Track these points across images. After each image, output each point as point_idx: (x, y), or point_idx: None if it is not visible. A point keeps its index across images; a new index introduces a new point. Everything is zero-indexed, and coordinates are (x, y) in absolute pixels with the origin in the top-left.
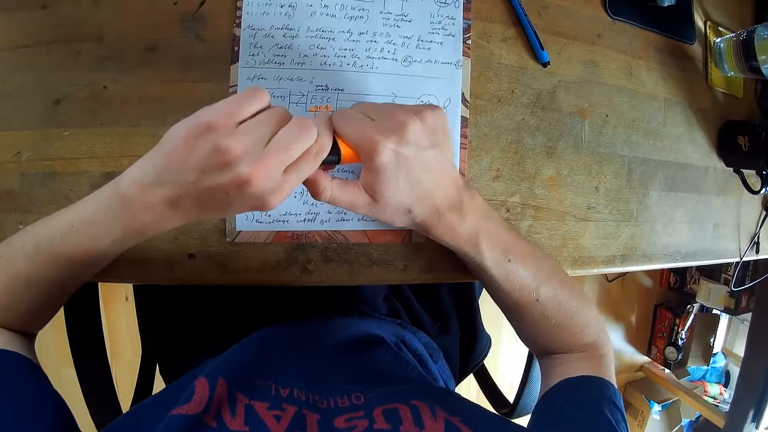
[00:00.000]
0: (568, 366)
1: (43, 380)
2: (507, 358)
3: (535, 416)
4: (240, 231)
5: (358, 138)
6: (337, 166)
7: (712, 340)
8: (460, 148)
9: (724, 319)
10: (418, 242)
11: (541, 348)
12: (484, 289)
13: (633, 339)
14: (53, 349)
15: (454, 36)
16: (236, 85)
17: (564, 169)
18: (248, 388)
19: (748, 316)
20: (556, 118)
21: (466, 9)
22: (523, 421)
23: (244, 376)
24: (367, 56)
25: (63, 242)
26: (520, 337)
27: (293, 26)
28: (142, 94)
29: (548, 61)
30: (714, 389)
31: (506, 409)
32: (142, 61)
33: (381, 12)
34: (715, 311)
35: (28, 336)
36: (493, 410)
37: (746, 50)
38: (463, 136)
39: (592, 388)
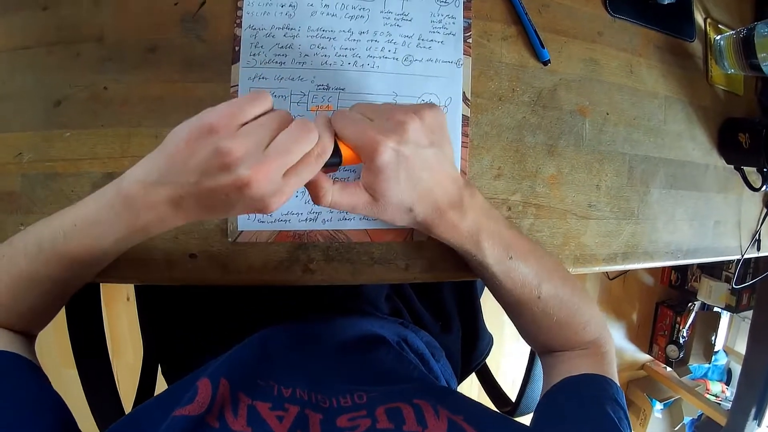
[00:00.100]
0: (570, 364)
1: (43, 381)
2: (509, 357)
3: (537, 415)
4: (242, 231)
5: (358, 139)
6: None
7: (713, 337)
8: (462, 146)
9: (726, 316)
10: (420, 241)
11: (542, 346)
12: (485, 287)
13: (634, 337)
14: (55, 351)
15: (454, 35)
16: (237, 85)
17: (565, 167)
18: (251, 389)
19: (749, 313)
20: (557, 116)
21: (466, 8)
22: (526, 419)
23: (247, 377)
24: (368, 55)
25: (66, 242)
26: (521, 335)
27: (294, 26)
28: (142, 95)
29: (549, 60)
30: (716, 387)
31: (508, 407)
32: (142, 62)
33: (381, 11)
34: (716, 309)
35: (29, 337)
36: (495, 409)
37: (746, 48)
38: (464, 134)
39: (594, 386)
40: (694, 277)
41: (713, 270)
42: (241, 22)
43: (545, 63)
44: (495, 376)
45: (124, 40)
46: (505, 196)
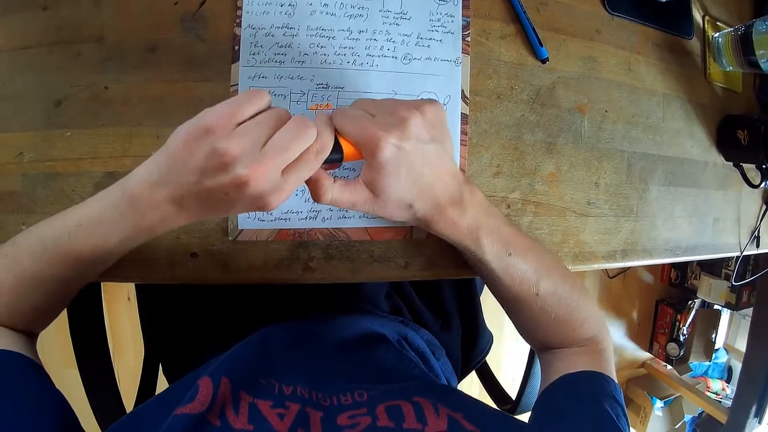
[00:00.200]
0: (568, 361)
1: (45, 380)
2: (509, 355)
3: (535, 413)
4: (242, 229)
5: (359, 135)
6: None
7: (713, 335)
8: (461, 144)
9: (726, 314)
10: (419, 239)
11: (540, 343)
12: (485, 285)
13: (635, 335)
14: (56, 351)
15: (453, 33)
16: (237, 85)
17: (564, 164)
18: (252, 387)
19: (750, 311)
20: (556, 114)
21: (465, 6)
22: (526, 417)
23: (248, 375)
24: (367, 54)
25: (70, 241)
26: (520, 333)
27: (293, 25)
28: (143, 95)
29: (547, 58)
30: (716, 385)
31: (509, 405)
32: (142, 62)
33: (380, 10)
34: (716, 307)
35: (31, 336)
36: (495, 407)
37: (744, 45)
38: (463, 132)
39: (592, 383)
40: (693, 275)
41: (713, 268)
42: (240, 21)
43: (544, 61)
44: (495, 374)
45: (125, 40)
46: (504, 194)
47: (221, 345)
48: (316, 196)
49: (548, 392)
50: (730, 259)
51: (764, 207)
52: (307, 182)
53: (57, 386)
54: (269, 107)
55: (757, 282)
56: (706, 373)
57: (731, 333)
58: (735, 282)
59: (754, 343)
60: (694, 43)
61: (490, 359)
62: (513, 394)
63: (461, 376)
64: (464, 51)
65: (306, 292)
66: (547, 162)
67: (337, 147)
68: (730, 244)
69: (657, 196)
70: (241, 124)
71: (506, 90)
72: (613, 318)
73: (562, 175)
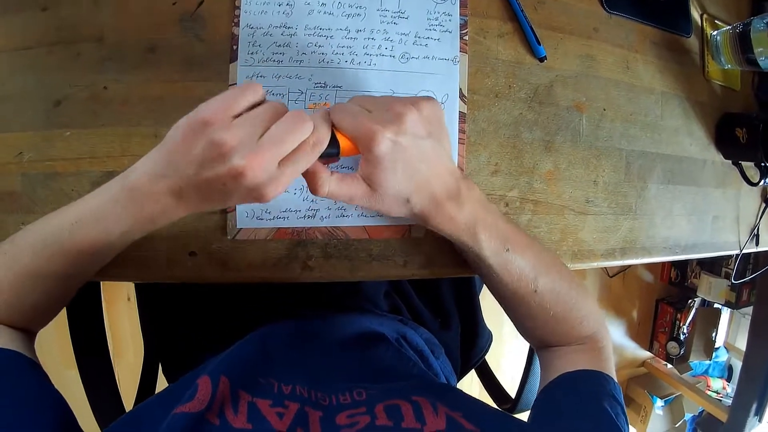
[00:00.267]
0: (567, 359)
1: (43, 379)
2: (509, 354)
3: (534, 411)
4: (240, 228)
5: (356, 129)
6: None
7: (713, 334)
8: (459, 143)
9: (726, 313)
10: (418, 237)
11: (539, 341)
12: (484, 284)
13: (635, 334)
14: (56, 351)
15: (450, 32)
16: (236, 84)
17: (562, 163)
18: (251, 386)
19: (749, 310)
20: (554, 112)
21: (462, 5)
22: (526, 416)
23: (247, 374)
24: (365, 53)
25: (71, 236)
26: (519, 331)
27: (291, 24)
28: (142, 95)
29: (545, 56)
30: (717, 384)
31: (508, 404)
32: (142, 62)
33: (378, 9)
34: (716, 305)
35: (29, 334)
36: (495, 406)
37: (743, 43)
38: (461, 131)
39: (591, 382)
40: (693, 274)
41: (713, 266)
42: (238, 21)
43: (541, 59)
44: (495, 373)
45: (124, 40)
46: (502, 192)
47: (221, 345)
48: (313, 189)
49: (547, 391)
50: (729, 257)
51: (763, 205)
52: (305, 175)
53: (56, 386)
54: (264, 99)
55: (757, 280)
56: (706, 372)
57: (731, 332)
58: (734, 280)
59: (754, 341)
60: (693, 42)
61: (490, 358)
62: (513, 393)
63: (461, 375)
64: (462, 50)
65: (305, 292)
66: (545, 160)
67: (334, 142)
68: (730, 242)
69: (656, 194)
70: (238, 117)
71: (504, 88)
72: (613, 317)
73: (561, 174)
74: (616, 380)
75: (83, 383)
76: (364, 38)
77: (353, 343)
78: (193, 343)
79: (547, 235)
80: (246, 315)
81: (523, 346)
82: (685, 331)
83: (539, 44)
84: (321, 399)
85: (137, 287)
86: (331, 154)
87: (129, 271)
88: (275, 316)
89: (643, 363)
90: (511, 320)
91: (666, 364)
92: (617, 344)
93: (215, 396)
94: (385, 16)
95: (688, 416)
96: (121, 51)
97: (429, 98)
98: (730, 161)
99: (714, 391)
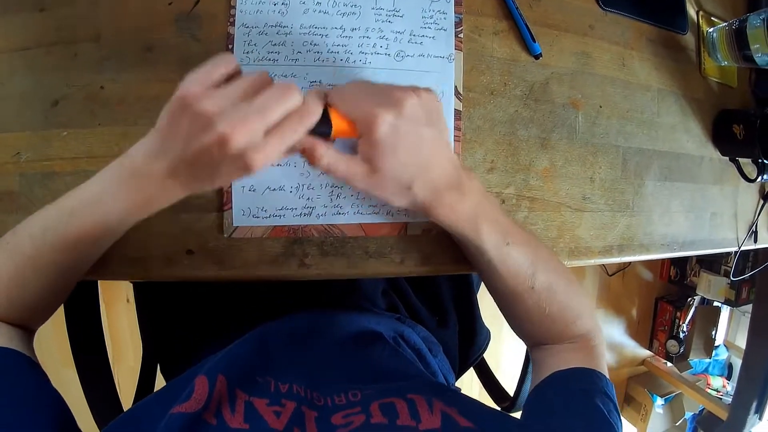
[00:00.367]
0: (559, 358)
1: (42, 378)
2: (508, 353)
3: (527, 410)
4: (237, 226)
5: (356, 110)
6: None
7: (713, 332)
8: (454, 140)
9: (725, 311)
10: (414, 235)
11: (533, 338)
12: (482, 283)
13: (634, 333)
14: (54, 350)
15: (445, 30)
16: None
17: (558, 160)
18: (248, 385)
19: (749, 308)
20: (550, 109)
21: (457, 3)
22: None
23: (244, 373)
24: (360, 52)
25: (69, 223)
26: (513, 328)
27: (286, 23)
28: (139, 94)
29: (540, 53)
30: (717, 382)
31: (507, 402)
32: (139, 62)
33: (373, 8)
34: (716, 303)
35: (28, 332)
36: (494, 404)
37: (739, 39)
38: (457, 128)
39: (583, 380)
40: (693, 272)
41: (712, 264)
42: (234, 20)
43: (537, 57)
44: (495, 372)
45: (121, 40)
46: (498, 190)
47: (219, 345)
48: (311, 159)
49: (539, 390)
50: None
51: (761, 202)
52: (303, 150)
53: (55, 386)
54: (238, 68)
55: (756, 278)
56: (706, 370)
57: (731, 330)
58: (733, 277)
59: (754, 339)
60: (689, 39)
61: (490, 358)
62: (512, 392)
63: (459, 374)
64: (457, 47)
65: (303, 290)
66: (541, 157)
67: (326, 120)
68: (728, 239)
69: (653, 191)
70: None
71: (499, 86)
72: (612, 316)
73: (557, 171)
74: (608, 378)
75: (81, 382)
76: (359, 37)
77: (350, 343)
78: (191, 344)
79: (544, 232)
80: (244, 315)
81: (522, 346)
82: (684, 329)
83: (534, 41)
84: (316, 399)
85: (136, 288)
86: (322, 133)
87: (127, 270)
88: (273, 316)
89: (643, 361)
90: (506, 317)
91: (666, 363)
92: (617, 343)
93: (212, 395)
94: (380, 15)
95: (688, 415)
96: (118, 51)
97: (427, 89)
98: (727, 158)
99: (714, 390)
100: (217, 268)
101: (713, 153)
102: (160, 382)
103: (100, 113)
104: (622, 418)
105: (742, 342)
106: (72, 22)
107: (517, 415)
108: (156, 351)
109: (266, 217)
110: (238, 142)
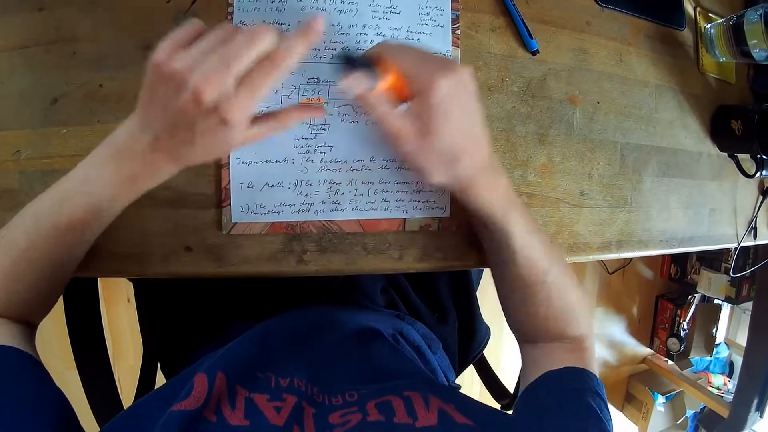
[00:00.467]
0: (553, 358)
1: (45, 377)
2: (509, 352)
3: (520, 409)
4: (235, 223)
5: (416, 68)
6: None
7: (714, 330)
8: None
9: (726, 309)
10: (412, 231)
11: (529, 334)
12: (481, 280)
13: (635, 331)
14: (56, 352)
15: (442, 27)
16: None
17: (556, 156)
18: (248, 381)
19: (750, 305)
20: (547, 105)
21: (454, 0)
22: None
23: (245, 370)
24: (358, 48)
25: (60, 210)
26: (511, 321)
27: (284, 20)
28: (137, 92)
29: (537, 50)
30: (718, 380)
31: (507, 400)
32: (137, 60)
33: (370, 5)
34: (716, 301)
35: (30, 328)
36: (494, 401)
37: (737, 35)
38: None
39: (577, 379)
40: (693, 270)
41: (712, 262)
42: (232, 18)
43: (534, 53)
44: (496, 370)
45: (119, 38)
46: None
47: (219, 344)
48: (366, 105)
49: (533, 388)
50: (729, 252)
51: (760, 197)
52: (358, 97)
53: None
54: (204, 29)
55: (757, 275)
56: (707, 368)
57: (732, 328)
58: (733, 274)
59: (755, 337)
60: (686, 35)
61: (490, 355)
62: (512, 390)
63: (459, 371)
64: (454, 44)
65: (303, 288)
66: (539, 153)
67: (372, 75)
68: (727, 236)
69: (651, 187)
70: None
71: (497, 82)
72: (613, 314)
73: (555, 167)
74: (599, 378)
75: (82, 381)
76: (357, 33)
77: (350, 341)
78: (191, 343)
79: (543, 228)
80: (244, 314)
81: None
82: (685, 327)
83: (531, 38)
84: (316, 395)
85: (136, 287)
86: (359, 66)
87: (126, 267)
88: (273, 314)
89: (644, 360)
90: (508, 310)
91: (667, 361)
92: (618, 341)
93: (212, 393)
94: (377, 12)
95: (689, 412)
96: (116, 49)
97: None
98: (725, 154)
99: (715, 387)
100: (216, 265)
101: (711, 149)
102: (160, 381)
103: (99, 111)
104: (623, 416)
105: (742, 340)
106: (71, 21)
107: None
108: (156, 350)
109: (264, 214)
110: (210, 95)
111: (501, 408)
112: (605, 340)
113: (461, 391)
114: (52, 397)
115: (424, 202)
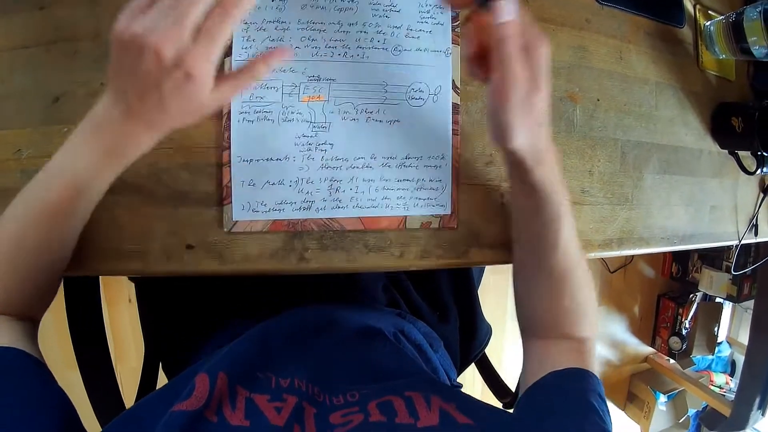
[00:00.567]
0: (556, 358)
1: (47, 378)
2: (510, 351)
3: (523, 406)
4: (237, 221)
5: (529, 24)
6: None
7: (716, 328)
8: (453, 134)
9: (728, 307)
10: (414, 229)
11: (537, 327)
12: (482, 279)
13: (637, 330)
14: (58, 352)
15: (442, 24)
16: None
17: (557, 153)
18: (249, 381)
19: (751, 303)
20: (547, 102)
21: None
22: None
23: (245, 370)
24: (358, 46)
25: (47, 194)
26: (524, 312)
27: (284, 19)
28: None
29: None
30: (720, 379)
31: (509, 398)
32: None
33: (370, 3)
34: (718, 300)
35: (32, 324)
36: (496, 400)
37: (736, 32)
38: (455, 122)
39: (580, 380)
40: (694, 268)
41: (714, 260)
42: None
43: None
44: (498, 369)
45: None
46: (497, 183)
47: (220, 344)
48: (504, 32)
49: (536, 388)
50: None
51: (761, 195)
52: (505, 22)
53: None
54: None
55: (759, 273)
56: (709, 367)
57: (734, 326)
58: (734, 271)
59: (756, 335)
60: (686, 32)
61: (492, 354)
62: (514, 388)
63: (460, 369)
64: (454, 42)
65: (304, 287)
66: None
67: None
68: (728, 233)
69: (652, 184)
70: None
71: None
72: (614, 313)
73: None
74: (599, 379)
75: (83, 381)
76: (357, 32)
77: (351, 341)
78: (193, 343)
79: None
80: (245, 313)
81: None
82: (687, 326)
83: None
84: (317, 395)
85: (137, 287)
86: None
87: (127, 265)
88: (274, 313)
89: (646, 359)
90: (528, 299)
91: (669, 360)
92: (619, 340)
93: (213, 393)
94: (377, 10)
95: (691, 411)
96: None
97: None
98: (726, 151)
99: (717, 386)
100: (217, 263)
101: (712, 146)
102: (162, 381)
103: None
104: (625, 415)
105: (744, 338)
106: (71, 21)
107: None
108: (158, 350)
109: (266, 211)
110: (169, 51)
111: (503, 406)
112: (607, 339)
113: (462, 390)
114: (56, 399)
115: (425, 199)
